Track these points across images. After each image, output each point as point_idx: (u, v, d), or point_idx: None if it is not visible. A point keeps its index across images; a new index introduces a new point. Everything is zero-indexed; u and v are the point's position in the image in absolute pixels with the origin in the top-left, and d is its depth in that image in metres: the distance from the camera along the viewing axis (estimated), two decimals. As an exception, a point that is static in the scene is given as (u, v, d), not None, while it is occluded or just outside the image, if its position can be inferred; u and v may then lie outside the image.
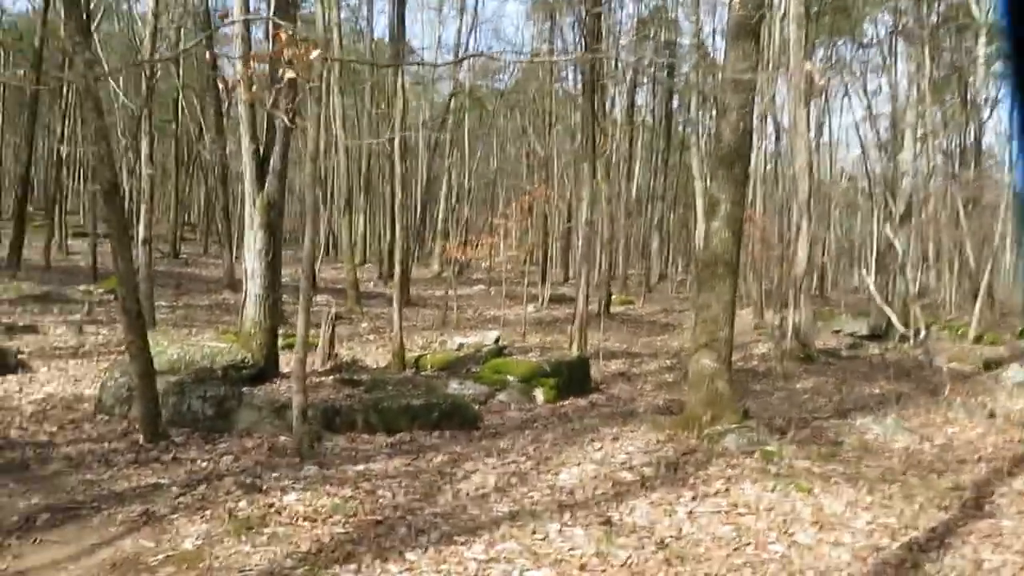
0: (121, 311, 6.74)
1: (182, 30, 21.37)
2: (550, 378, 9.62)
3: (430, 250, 34.68)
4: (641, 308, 24.56)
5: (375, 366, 11.24)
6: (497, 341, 13.25)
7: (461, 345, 11.80)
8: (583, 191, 12.46)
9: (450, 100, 28.54)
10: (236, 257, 20.80)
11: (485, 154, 37.63)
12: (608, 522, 5.19)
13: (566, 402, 9.67)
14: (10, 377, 8.87)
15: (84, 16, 10.29)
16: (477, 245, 16.25)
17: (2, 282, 17.95)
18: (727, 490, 5.95)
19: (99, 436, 6.75)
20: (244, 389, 8.36)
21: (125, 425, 7.01)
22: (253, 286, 9.49)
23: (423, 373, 10.50)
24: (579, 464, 6.55)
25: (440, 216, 32.40)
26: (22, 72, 27.93)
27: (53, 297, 15.61)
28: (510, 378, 9.55)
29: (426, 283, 27.50)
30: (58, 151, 24.12)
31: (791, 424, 8.42)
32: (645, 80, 34.58)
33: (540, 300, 22.51)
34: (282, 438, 6.94)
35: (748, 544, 5.01)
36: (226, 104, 24.26)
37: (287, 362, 10.57)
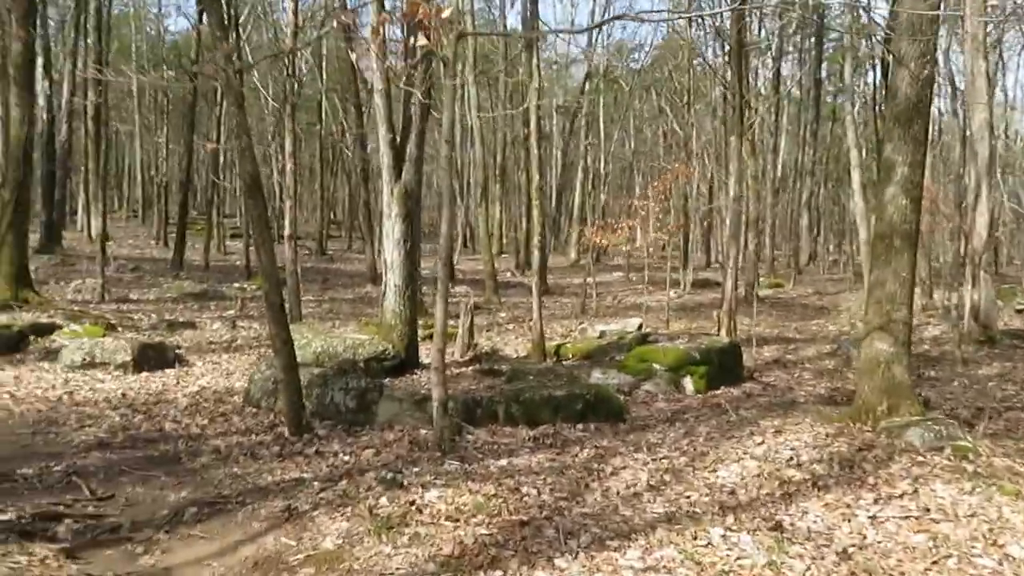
0: (266, 304, 6.75)
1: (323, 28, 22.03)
2: (700, 366, 9.00)
3: (566, 238, 34.32)
4: (791, 291, 23.16)
5: (515, 356, 10.98)
6: (640, 328, 12.70)
7: (603, 333, 11.34)
8: (731, 166, 11.66)
9: (584, 83, 27.99)
10: (377, 252, 21.26)
11: (621, 137, 36.83)
12: (778, 527, 4.61)
13: (717, 392, 9.02)
14: (169, 371, 9.24)
15: (224, 10, 10.55)
16: (616, 230, 15.69)
17: (167, 282, 19.12)
18: (915, 492, 5.19)
19: (247, 428, 6.80)
20: (385, 380, 8.29)
21: (271, 418, 7.05)
22: (392, 276, 9.43)
23: (564, 363, 10.13)
24: (739, 460, 5.95)
25: (576, 203, 31.97)
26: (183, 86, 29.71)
27: (210, 295, 16.43)
28: (657, 367, 9.00)
29: (563, 271, 27.18)
30: (215, 157, 25.51)
31: (982, 415, 7.43)
32: (790, 48, 32.66)
33: (682, 285, 21.65)
34: (423, 431, 6.75)
35: (949, 556, 4.30)
36: (366, 103, 24.86)
37: (427, 353, 10.52)
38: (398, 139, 9.54)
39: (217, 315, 14.03)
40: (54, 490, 5.19)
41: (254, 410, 7.35)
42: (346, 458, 6.01)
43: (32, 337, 10.43)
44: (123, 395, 7.97)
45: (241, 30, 19.61)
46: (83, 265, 18.60)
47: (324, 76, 27.85)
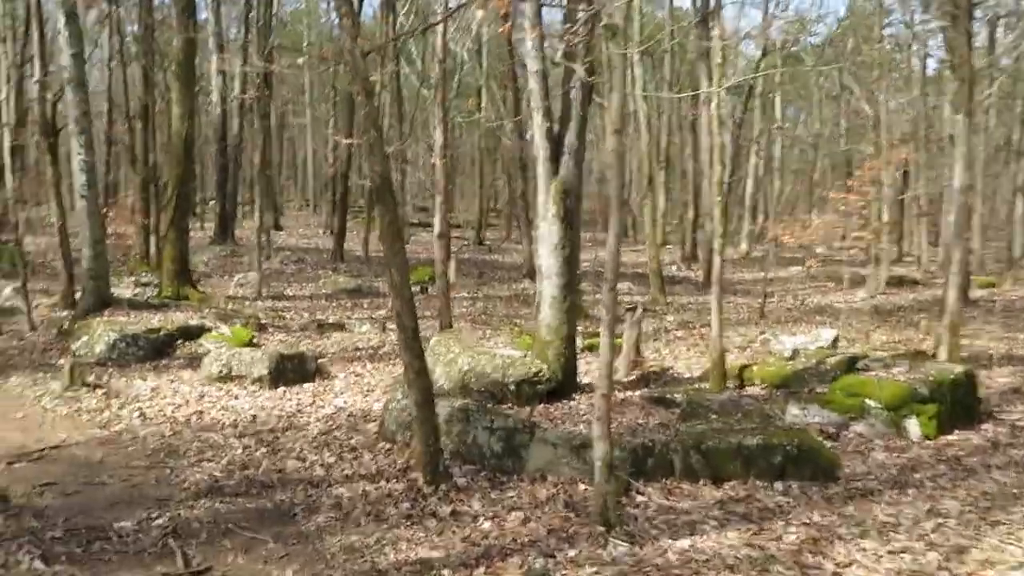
0: (396, 328, 5.72)
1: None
2: (928, 404, 7.17)
3: (736, 227, 31.91)
4: (1009, 291, 19.92)
5: (688, 375, 9.50)
6: (835, 343, 10.81)
7: (795, 353, 9.60)
8: (958, 149, 9.53)
9: (760, 61, 25.61)
10: (534, 244, 20.21)
11: (797, 120, 33.81)
12: None
13: (951, 437, 7.17)
14: (307, 386, 8.52)
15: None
16: (807, 226, 13.71)
17: (325, 275, 19.01)
18: None
19: (377, 471, 5.83)
20: (537, 418, 7.13)
21: (405, 458, 6.04)
22: (548, 287, 8.22)
23: (749, 390, 8.55)
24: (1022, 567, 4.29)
25: (748, 191, 29.55)
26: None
27: (364, 291, 15.98)
28: (870, 403, 7.26)
29: (733, 264, 25.02)
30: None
31: None
32: (1001, 11, 28.47)
33: (875, 284, 19.09)
34: (581, 486, 5.51)
35: None
36: (523, 89, 23.87)
37: (586, 370, 9.25)
38: (555, 128, 8.29)
39: (368, 315, 13.45)
40: (145, 558, 4.38)
41: (387, 446, 6.39)
42: (487, 526, 4.87)
43: (180, 341, 10.13)
44: (253, 417, 7.26)
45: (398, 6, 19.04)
46: (249, 257, 18.74)
47: (484, 64, 27.13)
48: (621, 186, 5.18)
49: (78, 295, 12.09)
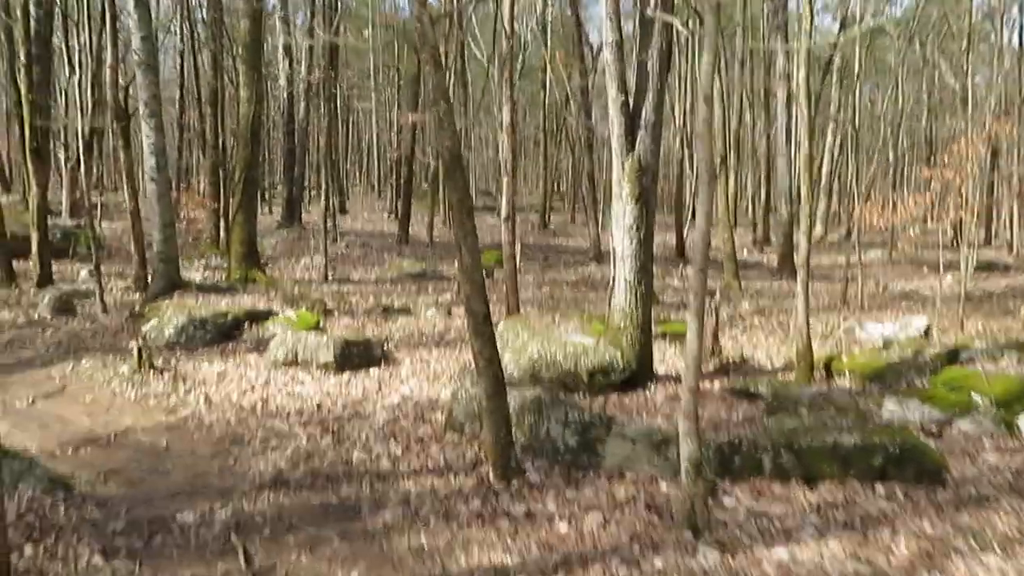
0: (466, 313, 5.42)
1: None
2: (1043, 400, 6.54)
3: (811, 209, 30.74)
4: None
5: (769, 366, 8.97)
6: (927, 332, 10.11)
7: (888, 343, 8.98)
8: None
9: (839, 35, 24.45)
10: (601, 227, 19.73)
11: (874, 95, 32.33)
12: None
13: (1068, 437, 6.52)
14: (373, 371, 8.31)
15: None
16: (897, 207, 12.91)
17: (390, 259, 18.92)
18: None
19: (445, 464, 5.55)
20: (612, 410, 6.76)
21: (475, 451, 5.75)
22: (622, 269, 7.81)
23: (838, 383, 7.99)
24: None
25: (824, 169, 28.39)
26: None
27: (428, 275, 15.79)
28: (977, 398, 6.67)
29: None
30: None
31: None
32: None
33: (965, 268, 17.99)
34: (663, 486, 5.13)
35: None
36: (590, 68, 23.30)
37: (661, 358, 8.83)
38: (631, 102, 7.84)
39: (434, 299, 13.24)
40: (207, 554, 4.18)
41: (456, 436, 6.11)
42: (563, 528, 4.53)
43: (247, 325, 10.07)
44: (318, 405, 7.07)
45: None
46: (315, 241, 18.74)
47: (548, 43, 26.60)
48: (711, 158, 4.74)
49: (150, 278, 12.20)
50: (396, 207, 33.30)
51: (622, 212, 7.81)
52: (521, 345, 8.02)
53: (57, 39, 19.12)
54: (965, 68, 25.04)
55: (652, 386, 7.72)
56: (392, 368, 8.55)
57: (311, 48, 24.72)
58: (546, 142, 31.57)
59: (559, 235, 27.16)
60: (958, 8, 27.06)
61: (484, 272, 14.29)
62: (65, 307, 11.07)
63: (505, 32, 10.98)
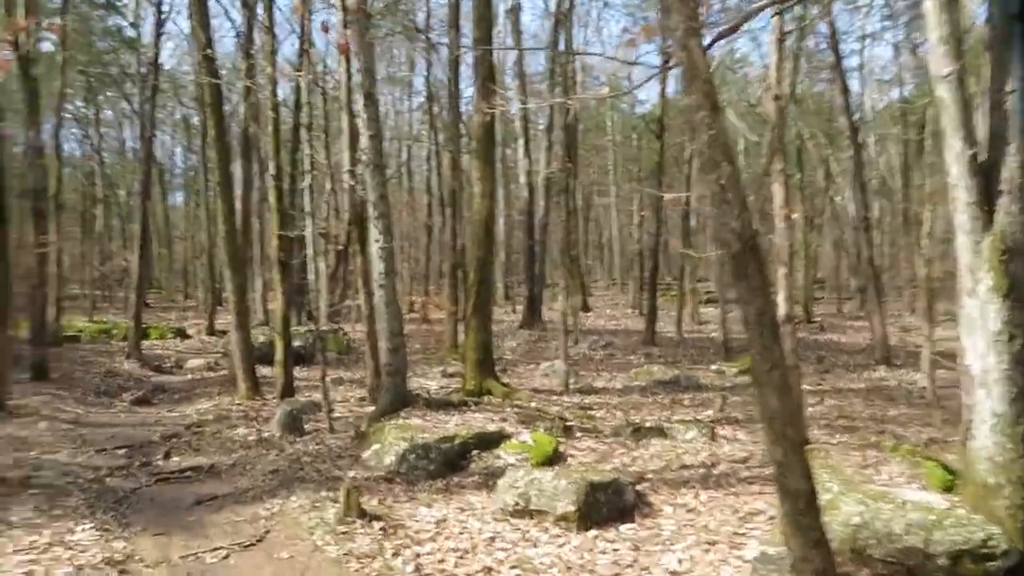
0: (778, 490, 3.42)
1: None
2: None
3: None
4: None
5: None
6: None
7: None
8: None
9: None
10: (884, 322, 16.55)
11: None
12: None
13: None
14: (624, 530, 6.37)
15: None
16: None
17: (636, 361, 17.10)
18: None
19: None
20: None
21: None
22: (985, 398, 5.33)
23: None
24: None
25: None
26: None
27: (682, 383, 13.67)
28: None
29: None
30: (685, 220, 23.41)
31: None
32: None
33: None
34: None
35: None
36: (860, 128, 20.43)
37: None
38: (982, 157, 5.51)
39: (691, 415, 11.11)
40: None
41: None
42: None
43: (475, 452, 8.63)
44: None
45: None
46: (556, 342, 17.43)
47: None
48: None
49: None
50: (639, 302, 31.67)
51: (981, 313, 5.38)
52: (831, 500, 5.70)
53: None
54: None
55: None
56: (649, 523, 6.56)
57: (550, 145, 24.29)
58: (806, 223, 28.53)
59: (827, 330, 23.78)
60: None
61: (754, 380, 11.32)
62: (294, 425, 10.42)
63: (773, 92, 9.04)
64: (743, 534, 6.26)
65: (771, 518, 6.57)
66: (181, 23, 44.95)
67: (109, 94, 32.82)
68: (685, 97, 3.49)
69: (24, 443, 9.70)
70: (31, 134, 15.62)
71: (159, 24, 20.84)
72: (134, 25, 25.45)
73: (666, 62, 20.58)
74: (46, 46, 20.93)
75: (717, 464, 8.44)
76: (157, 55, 21.30)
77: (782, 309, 8.94)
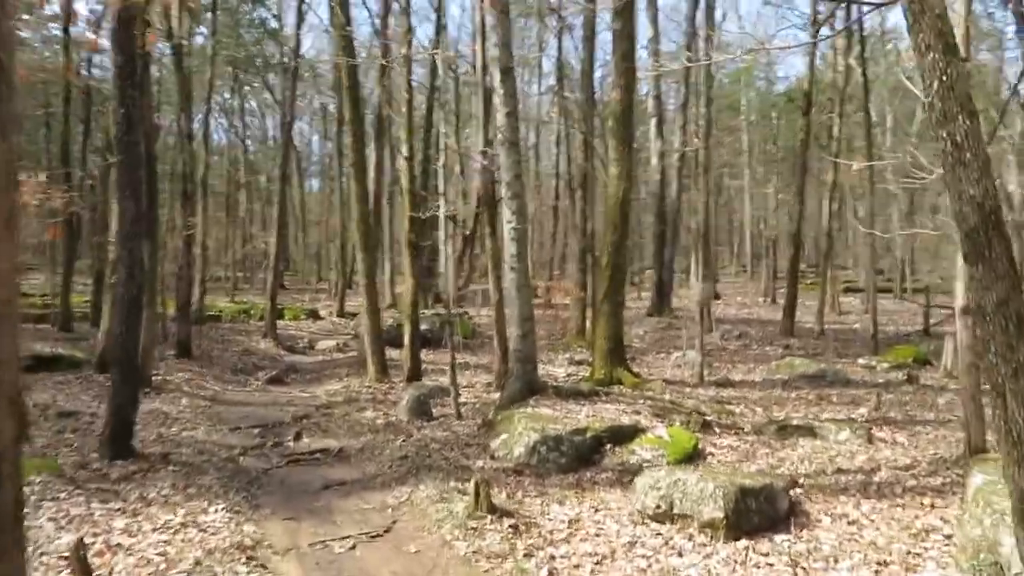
0: (1006, 463, 2.75)
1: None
2: None
3: None
4: None
5: None
6: None
7: None
8: None
9: None
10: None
11: None
12: None
13: None
14: (779, 540, 5.72)
15: None
16: None
17: (774, 353, 16.11)
18: None
19: None
20: None
21: None
22: None
23: None
24: None
25: None
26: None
27: (829, 378, 12.64)
28: None
29: None
30: (832, 205, 21.91)
31: None
32: None
33: None
34: None
35: None
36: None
37: None
38: None
39: (843, 413, 10.20)
40: None
41: None
42: None
43: (609, 447, 8.17)
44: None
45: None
46: (688, 331, 16.69)
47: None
48: None
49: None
50: (770, 290, 30.11)
51: None
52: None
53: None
54: None
55: None
56: (806, 535, 5.89)
57: (684, 123, 23.31)
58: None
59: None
60: None
61: (907, 374, 10.43)
62: (422, 409, 10.29)
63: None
64: (918, 554, 5.51)
65: (948, 537, 5.78)
66: (321, 13, 46.52)
67: (255, 85, 34.34)
68: (911, 37, 2.86)
69: (167, 419, 10.01)
70: (182, 123, 16.32)
71: (300, 15, 21.63)
72: (276, 17, 26.52)
73: (816, 32, 19.20)
74: (198, 40, 22.04)
75: (877, 470, 7.59)
76: (298, 44, 22.03)
77: (959, 302, 7.95)
